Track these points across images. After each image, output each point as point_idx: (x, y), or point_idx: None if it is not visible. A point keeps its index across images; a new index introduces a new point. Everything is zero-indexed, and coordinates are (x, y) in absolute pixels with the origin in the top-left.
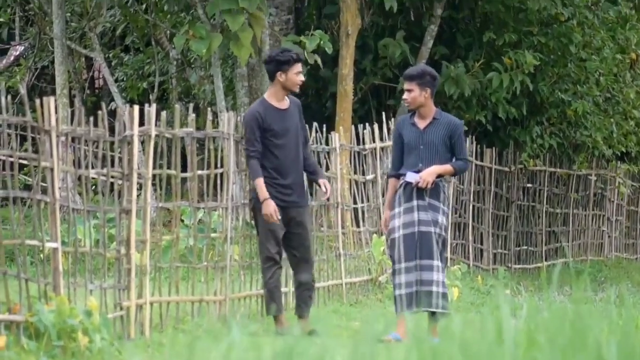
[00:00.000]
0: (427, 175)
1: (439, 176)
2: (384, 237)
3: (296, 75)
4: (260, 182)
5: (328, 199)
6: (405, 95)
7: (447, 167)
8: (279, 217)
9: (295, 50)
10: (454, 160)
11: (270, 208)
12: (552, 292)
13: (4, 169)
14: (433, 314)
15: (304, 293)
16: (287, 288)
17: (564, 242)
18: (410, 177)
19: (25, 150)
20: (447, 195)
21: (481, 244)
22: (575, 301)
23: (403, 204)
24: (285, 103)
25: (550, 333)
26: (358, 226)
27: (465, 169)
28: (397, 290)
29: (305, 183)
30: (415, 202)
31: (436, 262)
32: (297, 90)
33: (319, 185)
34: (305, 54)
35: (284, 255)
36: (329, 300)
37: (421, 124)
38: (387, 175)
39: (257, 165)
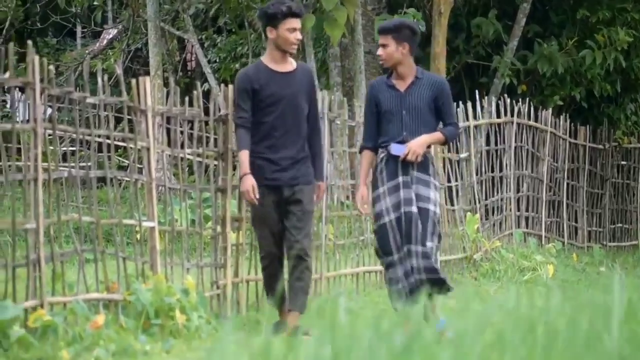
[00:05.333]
0: (417, 146)
1: (429, 147)
2: (477, 216)
3: (288, 32)
4: (243, 155)
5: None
6: (379, 51)
7: (438, 135)
8: (257, 197)
9: (292, 3)
10: (440, 125)
11: (247, 184)
12: None
13: (100, 150)
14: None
15: (294, 282)
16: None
17: None
18: (396, 149)
19: (122, 131)
20: (436, 167)
21: (576, 221)
22: None
23: (387, 182)
24: (287, 66)
25: None
26: (452, 204)
27: (456, 135)
28: (396, 285)
29: (308, 160)
30: (400, 179)
31: (429, 244)
32: (292, 50)
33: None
34: None
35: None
36: None
37: (401, 86)
38: (359, 148)
39: (244, 135)
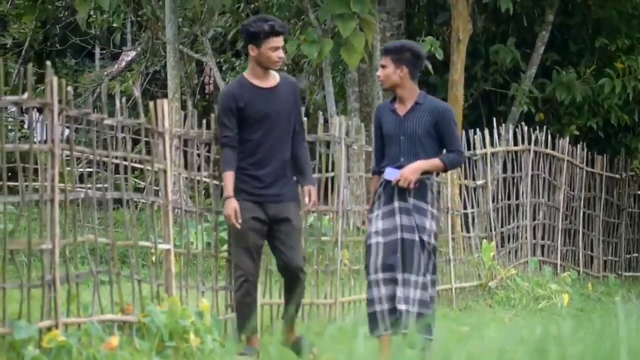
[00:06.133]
0: (409, 172)
1: (426, 173)
2: (493, 243)
3: (271, 51)
4: (228, 177)
5: (313, 211)
6: (379, 72)
7: (435, 162)
8: (239, 220)
9: (275, 21)
10: (444, 152)
11: (230, 208)
12: None
13: (117, 172)
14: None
15: (289, 300)
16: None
17: None
18: (389, 174)
19: (139, 153)
20: (436, 196)
21: (591, 250)
22: None
23: (382, 206)
24: (270, 81)
25: None
26: (468, 231)
27: (458, 163)
28: (375, 306)
29: (292, 175)
30: (396, 204)
31: (415, 278)
32: (275, 68)
33: (304, 191)
34: None
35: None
36: (439, 304)
37: (401, 110)
38: (371, 172)
39: (229, 155)
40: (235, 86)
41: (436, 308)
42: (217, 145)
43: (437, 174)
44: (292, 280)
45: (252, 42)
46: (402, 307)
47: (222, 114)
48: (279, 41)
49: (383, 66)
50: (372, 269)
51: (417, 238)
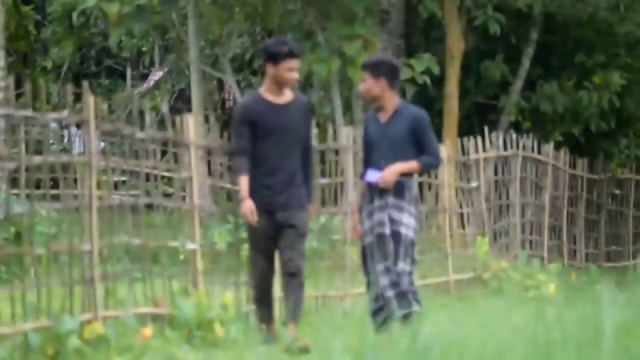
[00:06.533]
0: (388, 174)
1: (405, 175)
2: (486, 239)
3: (287, 71)
4: (242, 180)
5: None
6: (360, 86)
7: (411, 165)
8: (257, 219)
9: (293, 45)
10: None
11: (247, 208)
12: (638, 288)
13: (148, 180)
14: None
15: (288, 297)
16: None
17: None
18: (371, 175)
19: (167, 162)
20: (414, 195)
21: (575, 244)
22: None
23: (366, 205)
24: (284, 98)
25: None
26: (463, 228)
27: (433, 164)
28: (377, 304)
29: (302, 185)
30: (376, 203)
31: (401, 265)
32: (289, 85)
33: None
34: (415, 75)
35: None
36: (438, 295)
37: (383, 118)
38: (360, 176)
39: (242, 161)
40: (250, 100)
41: (418, 298)
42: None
43: (420, 175)
44: (291, 279)
45: (270, 61)
46: (385, 294)
47: (237, 125)
48: (295, 63)
49: (363, 80)
50: (366, 272)
51: (387, 231)
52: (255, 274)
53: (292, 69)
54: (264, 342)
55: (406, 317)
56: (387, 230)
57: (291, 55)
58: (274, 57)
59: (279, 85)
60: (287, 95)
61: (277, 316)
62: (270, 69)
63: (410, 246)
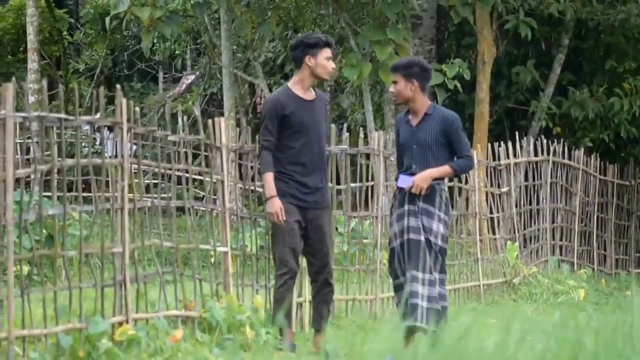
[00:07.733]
0: (420, 180)
1: (437, 179)
2: (516, 244)
3: (326, 60)
4: (269, 177)
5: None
6: (391, 88)
7: (445, 169)
8: (284, 219)
9: (324, 35)
10: (455, 159)
11: (276, 206)
12: None
13: (179, 183)
14: (413, 327)
15: (320, 305)
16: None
17: None
18: (402, 181)
19: (199, 165)
20: (444, 200)
21: (604, 250)
22: None
23: (396, 209)
24: (311, 94)
25: None
26: (494, 233)
27: (468, 167)
28: (403, 308)
29: (327, 185)
30: (406, 207)
31: (421, 275)
32: (327, 78)
33: None
34: (446, 80)
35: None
36: (468, 300)
37: (414, 121)
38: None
39: (268, 158)
40: (282, 94)
41: (447, 307)
42: (258, 147)
43: (451, 180)
44: (324, 286)
45: (309, 52)
46: (413, 301)
47: (267, 119)
48: (330, 52)
49: (394, 82)
50: (397, 274)
51: (422, 238)
52: (282, 272)
53: (330, 58)
54: (289, 349)
55: (433, 325)
56: (422, 237)
57: (328, 44)
58: (314, 47)
59: (317, 77)
60: (312, 92)
61: (294, 321)
62: (310, 61)
63: (440, 255)
